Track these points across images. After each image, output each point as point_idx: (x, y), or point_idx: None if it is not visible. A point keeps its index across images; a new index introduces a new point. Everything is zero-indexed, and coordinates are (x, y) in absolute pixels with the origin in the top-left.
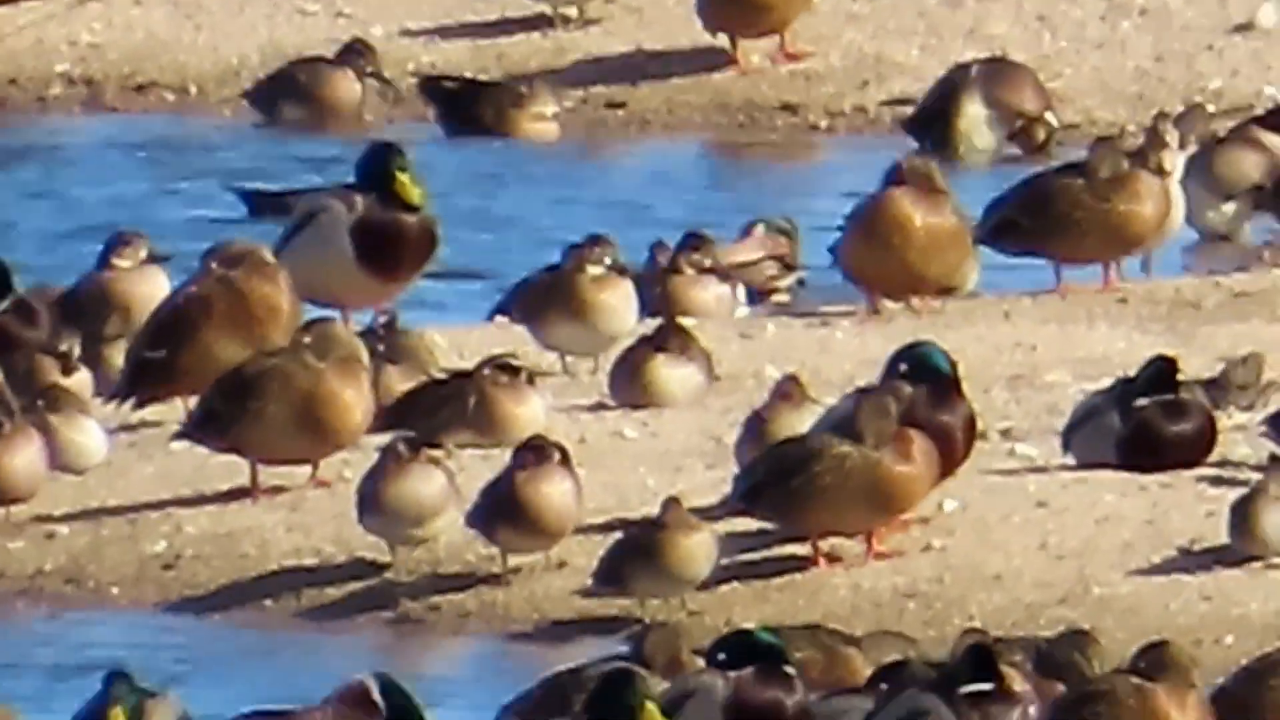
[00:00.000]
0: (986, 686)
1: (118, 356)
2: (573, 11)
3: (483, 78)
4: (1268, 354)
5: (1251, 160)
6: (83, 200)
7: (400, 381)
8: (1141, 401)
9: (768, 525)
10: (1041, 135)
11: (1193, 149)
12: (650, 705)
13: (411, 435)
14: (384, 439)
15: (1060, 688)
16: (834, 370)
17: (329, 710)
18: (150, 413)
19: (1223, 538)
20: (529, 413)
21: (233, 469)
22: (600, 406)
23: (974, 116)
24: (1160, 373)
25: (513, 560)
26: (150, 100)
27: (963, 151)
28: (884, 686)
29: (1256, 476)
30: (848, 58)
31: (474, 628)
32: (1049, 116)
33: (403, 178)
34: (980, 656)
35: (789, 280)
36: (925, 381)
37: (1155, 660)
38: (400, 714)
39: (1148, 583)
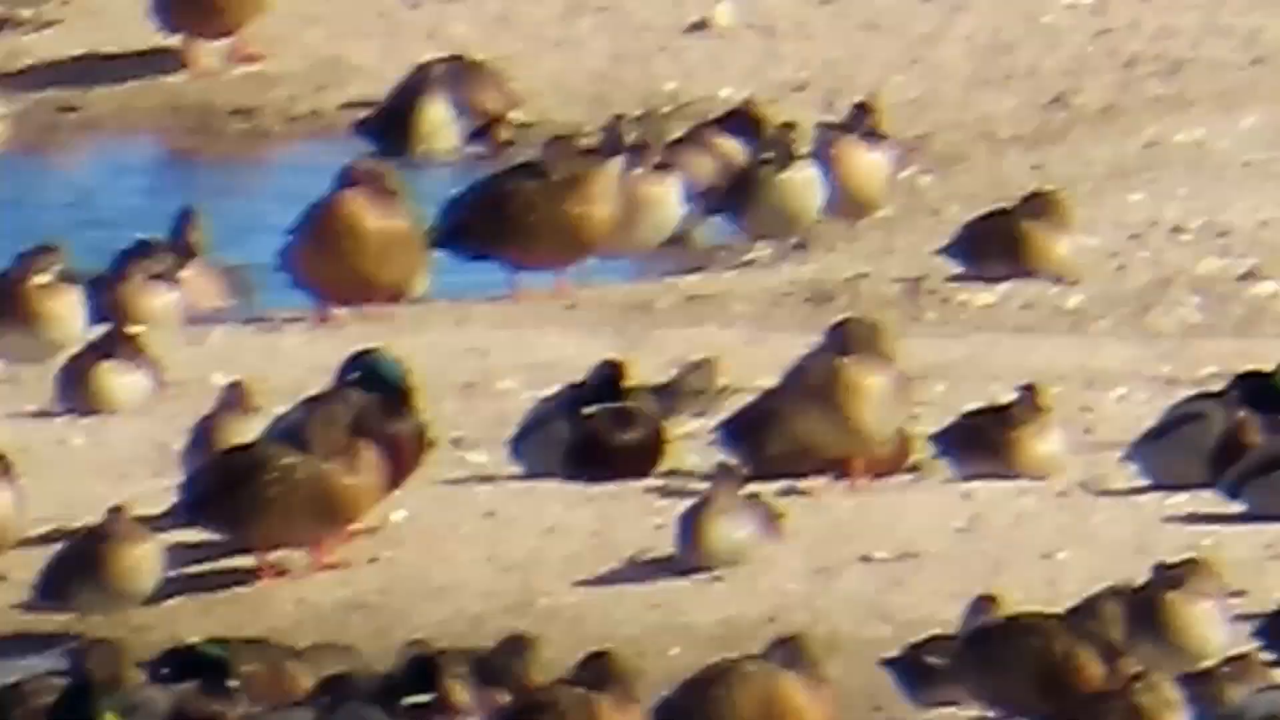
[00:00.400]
0: (427, 698)
1: None
2: (28, 13)
3: None
4: (721, 359)
5: (706, 163)
6: None
7: None
8: (588, 409)
9: (214, 536)
10: (504, 134)
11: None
12: (110, 716)
13: None
14: None
15: (503, 696)
16: (283, 378)
17: None
18: None
19: (670, 548)
20: None
21: None
22: (45, 414)
23: (435, 118)
24: (607, 379)
25: None
26: None
27: (423, 153)
28: (326, 699)
29: (704, 486)
30: (305, 59)
31: None
32: (513, 115)
33: None
34: (421, 668)
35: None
36: (376, 390)
37: (598, 670)
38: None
39: (594, 593)
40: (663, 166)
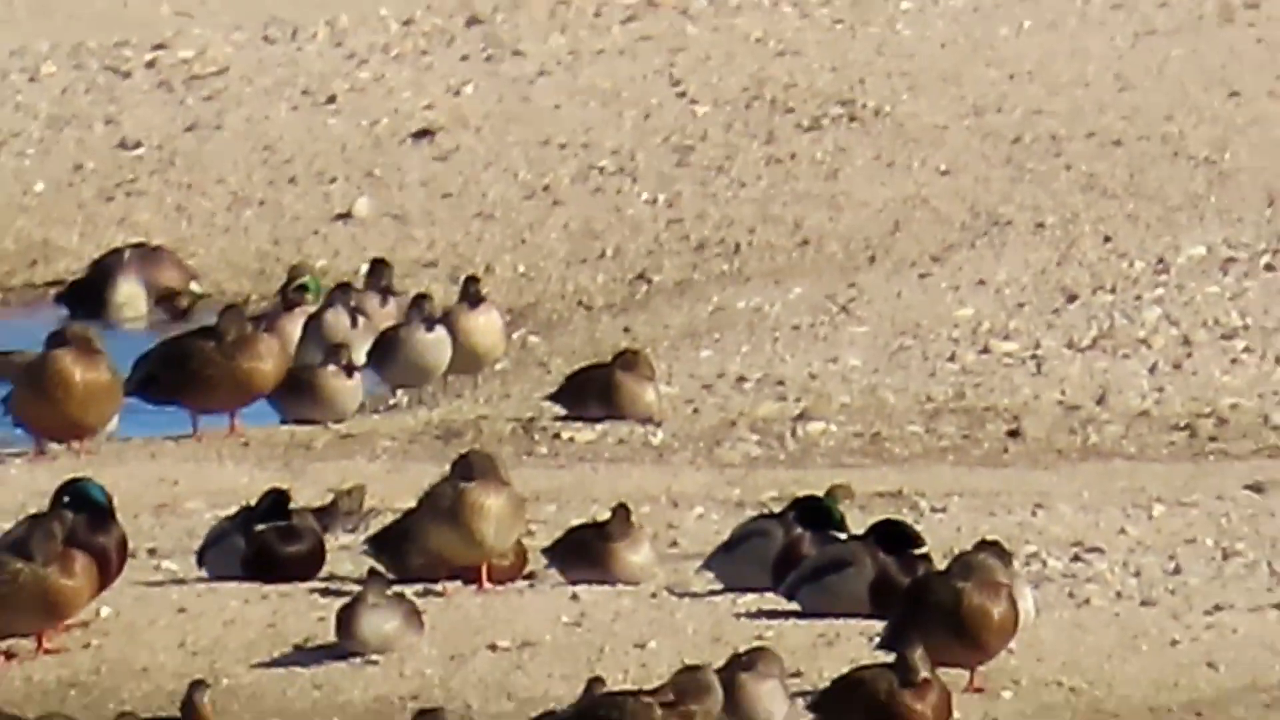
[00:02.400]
0: None
1: None
2: None
3: None
4: (368, 486)
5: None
6: None
7: None
8: (261, 526)
9: None
10: (185, 303)
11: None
12: None
13: None
14: None
15: None
16: (9, 500)
17: None
18: None
19: (331, 637)
20: None
21: None
22: None
23: (128, 292)
24: (274, 502)
25: None
26: None
27: (117, 319)
28: None
29: (357, 587)
30: (18, 242)
31: None
32: (193, 287)
33: None
34: None
35: None
36: (85, 509)
37: None
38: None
39: (268, 674)
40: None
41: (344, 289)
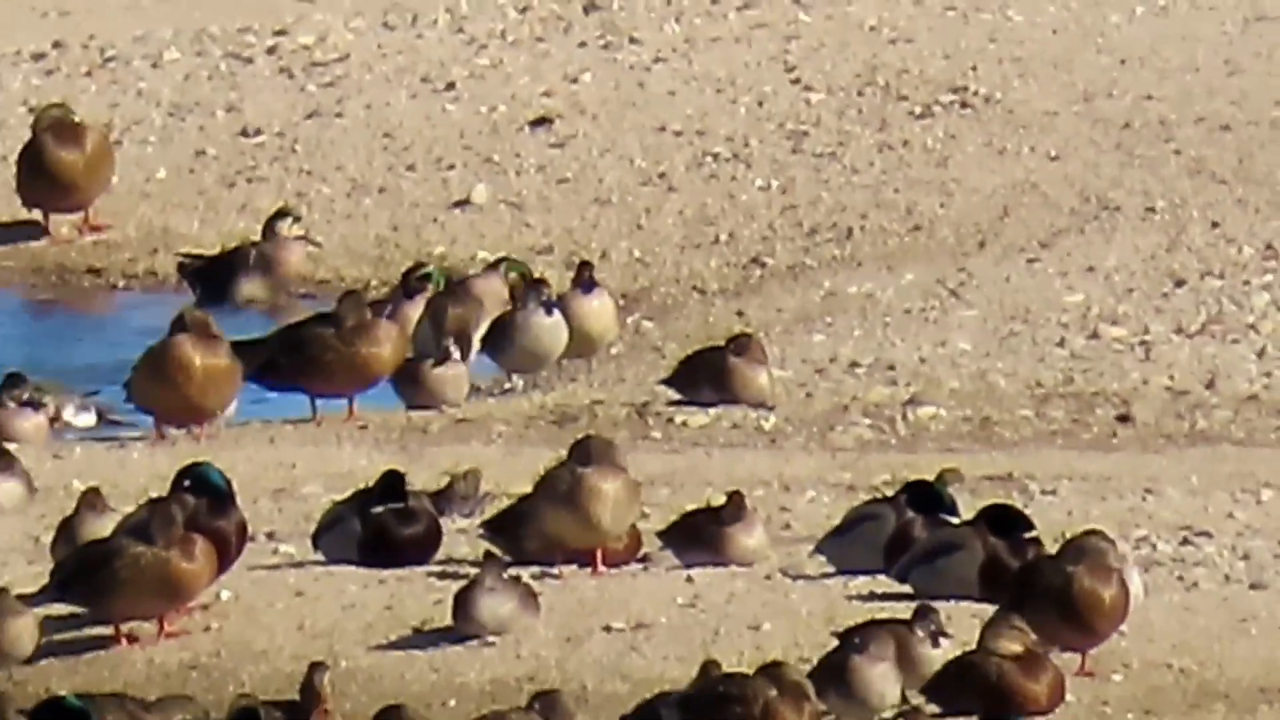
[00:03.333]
0: None
1: None
2: None
3: None
4: (484, 470)
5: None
6: None
7: None
8: (377, 509)
9: (78, 610)
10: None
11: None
12: None
13: None
14: None
15: None
16: (130, 484)
17: None
18: None
19: (448, 620)
20: None
21: None
22: None
23: (249, 288)
24: (391, 484)
25: None
26: None
27: (240, 303)
28: None
29: (474, 570)
30: (140, 229)
31: None
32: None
33: None
34: (248, 717)
35: None
36: (204, 494)
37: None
38: None
39: (386, 657)
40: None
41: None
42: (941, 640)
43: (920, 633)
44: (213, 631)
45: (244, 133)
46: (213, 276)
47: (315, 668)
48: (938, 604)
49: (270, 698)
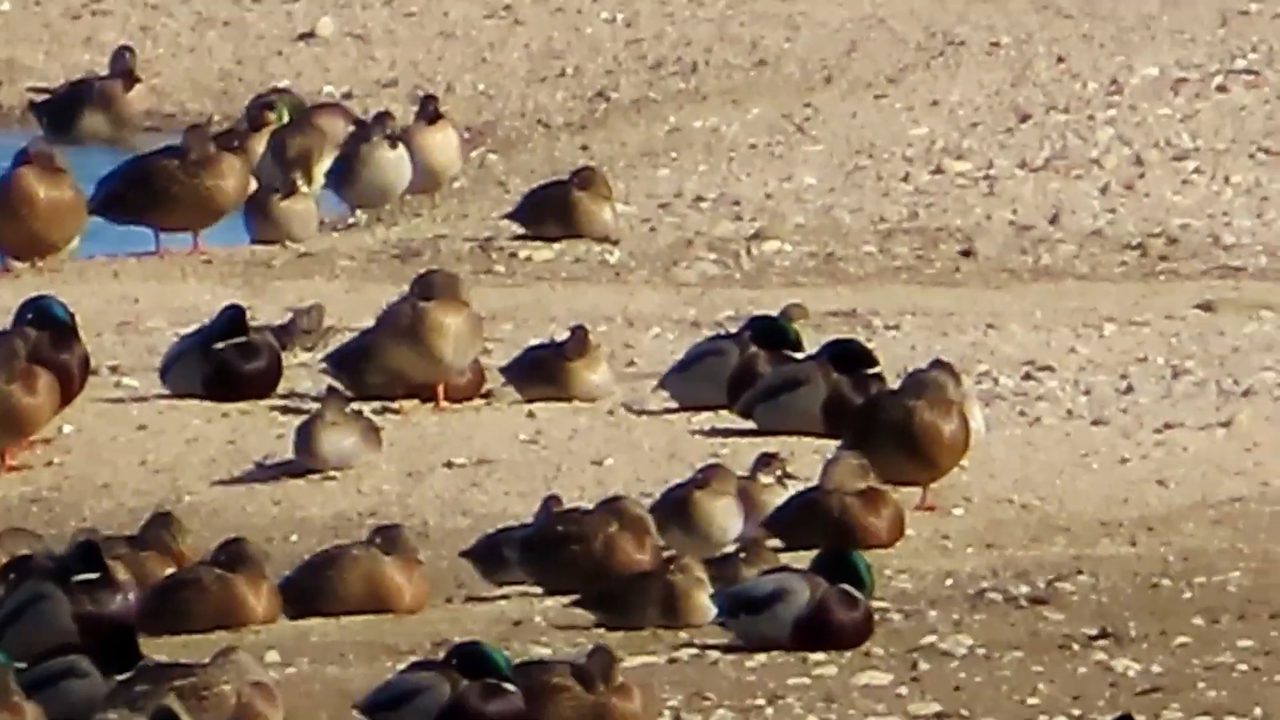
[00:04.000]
0: (94, 576)
1: None
2: None
3: None
4: (328, 305)
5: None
6: None
7: None
8: (219, 345)
9: None
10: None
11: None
12: None
13: None
14: None
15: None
16: None
17: None
18: None
19: (290, 454)
20: None
21: None
22: None
23: (93, 122)
24: (233, 319)
25: None
26: None
27: (84, 137)
28: (11, 575)
29: (316, 405)
30: None
31: None
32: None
33: None
34: (89, 551)
35: None
36: (47, 327)
37: (233, 554)
38: None
39: (228, 491)
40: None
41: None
42: (788, 483)
43: (765, 479)
44: (55, 466)
45: None
46: (60, 111)
47: (159, 519)
48: (780, 439)
49: (112, 533)
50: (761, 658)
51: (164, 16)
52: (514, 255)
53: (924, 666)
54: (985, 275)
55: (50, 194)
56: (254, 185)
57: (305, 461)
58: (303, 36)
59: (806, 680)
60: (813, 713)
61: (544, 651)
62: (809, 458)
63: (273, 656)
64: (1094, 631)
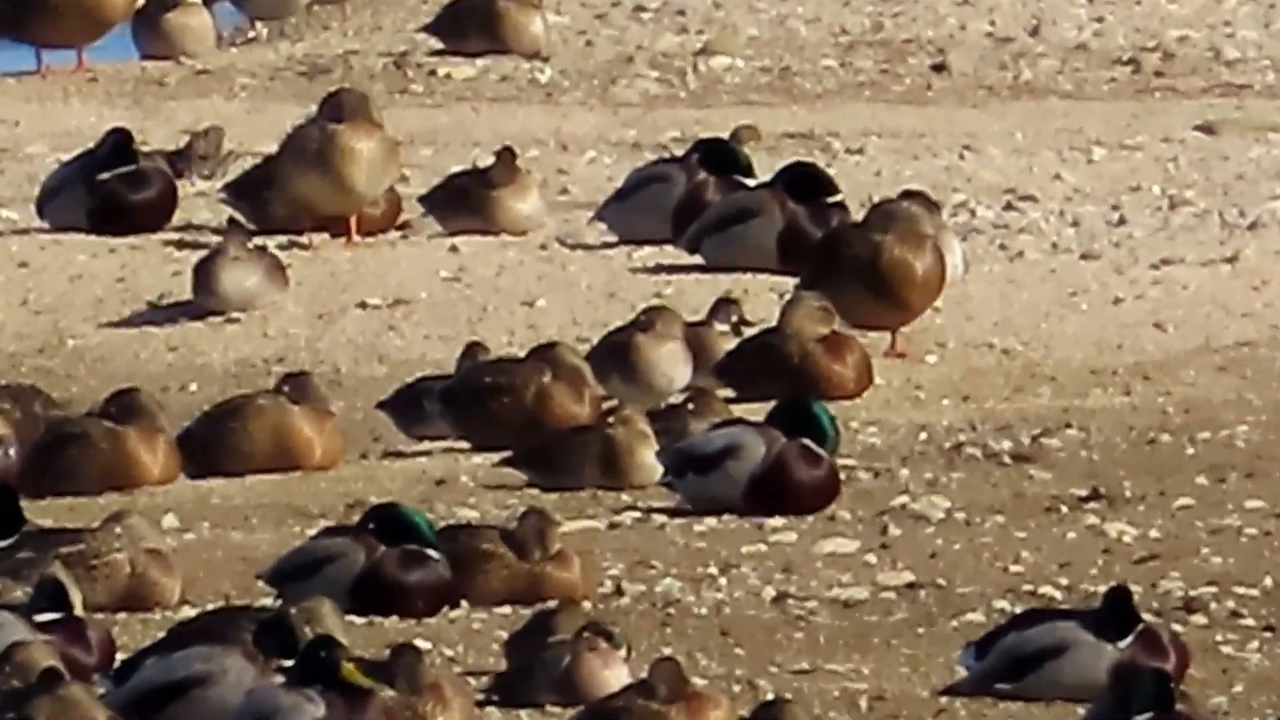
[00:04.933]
0: None
1: None
2: None
3: None
4: (227, 127)
5: None
6: None
7: None
8: (104, 175)
9: None
10: None
11: None
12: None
13: None
14: None
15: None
16: None
17: None
18: None
19: (187, 294)
20: None
21: None
22: None
23: None
24: (119, 145)
25: None
26: None
27: None
28: None
29: (216, 239)
30: None
31: None
32: None
33: None
34: None
35: None
36: None
37: (125, 405)
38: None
39: (118, 334)
40: None
41: None
42: (744, 330)
43: (720, 326)
44: None
45: None
46: None
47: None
48: (731, 276)
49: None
50: (712, 521)
51: None
52: (433, 73)
53: (895, 532)
54: (960, 93)
55: None
56: None
57: (204, 302)
58: None
59: (763, 547)
60: (770, 583)
61: (471, 515)
62: (764, 298)
63: (170, 520)
64: (1084, 492)
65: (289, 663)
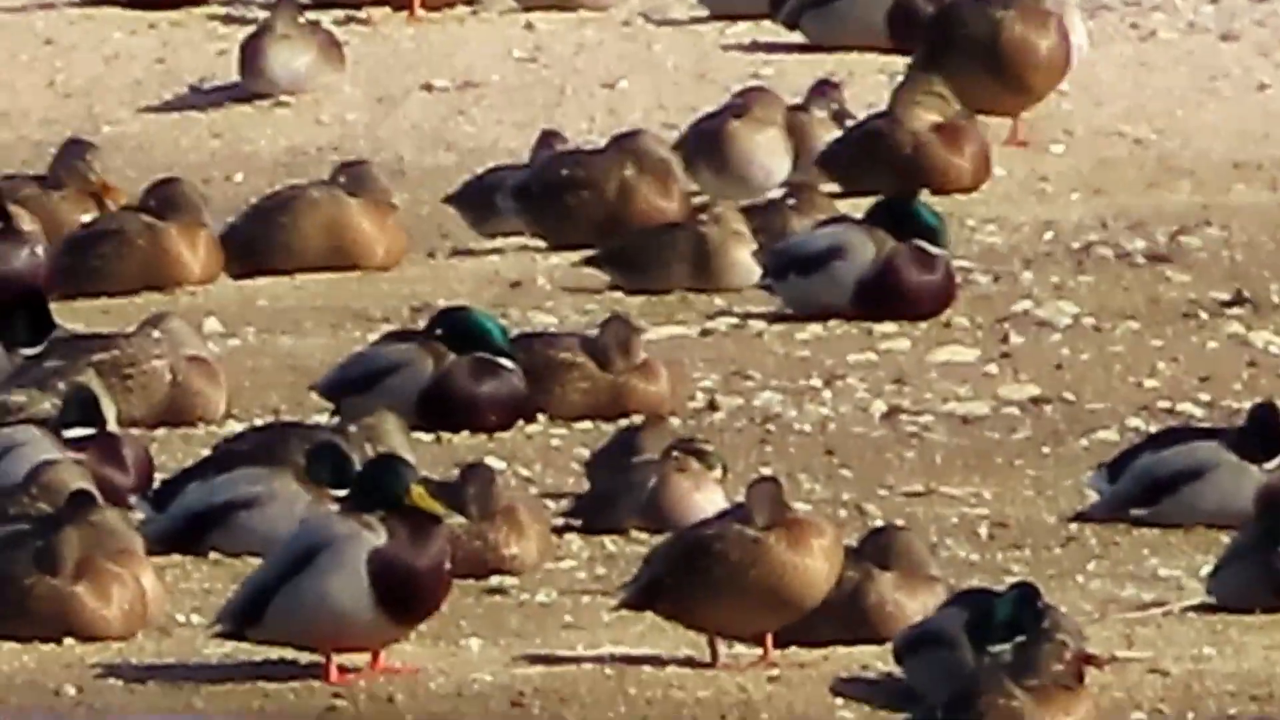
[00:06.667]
0: None
1: None
2: None
3: None
4: None
5: None
6: None
7: None
8: None
9: None
10: None
11: None
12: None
13: None
14: None
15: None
16: None
17: None
18: None
19: (233, 75)
20: None
21: None
22: None
23: None
24: None
25: None
26: None
27: None
28: None
29: (265, 14)
30: None
31: None
32: None
33: None
34: None
35: None
36: None
37: (165, 197)
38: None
39: (158, 120)
40: None
41: None
42: (846, 122)
43: (818, 112)
44: None
45: None
46: None
47: (75, 146)
48: (835, 56)
49: (14, 171)
50: (815, 328)
51: None
52: None
53: (1016, 340)
54: None
55: None
56: None
57: (251, 84)
58: None
59: (872, 356)
60: (879, 396)
61: (548, 320)
62: (871, 80)
63: (213, 325)
64: (1227, 296)
65: (342, 492)
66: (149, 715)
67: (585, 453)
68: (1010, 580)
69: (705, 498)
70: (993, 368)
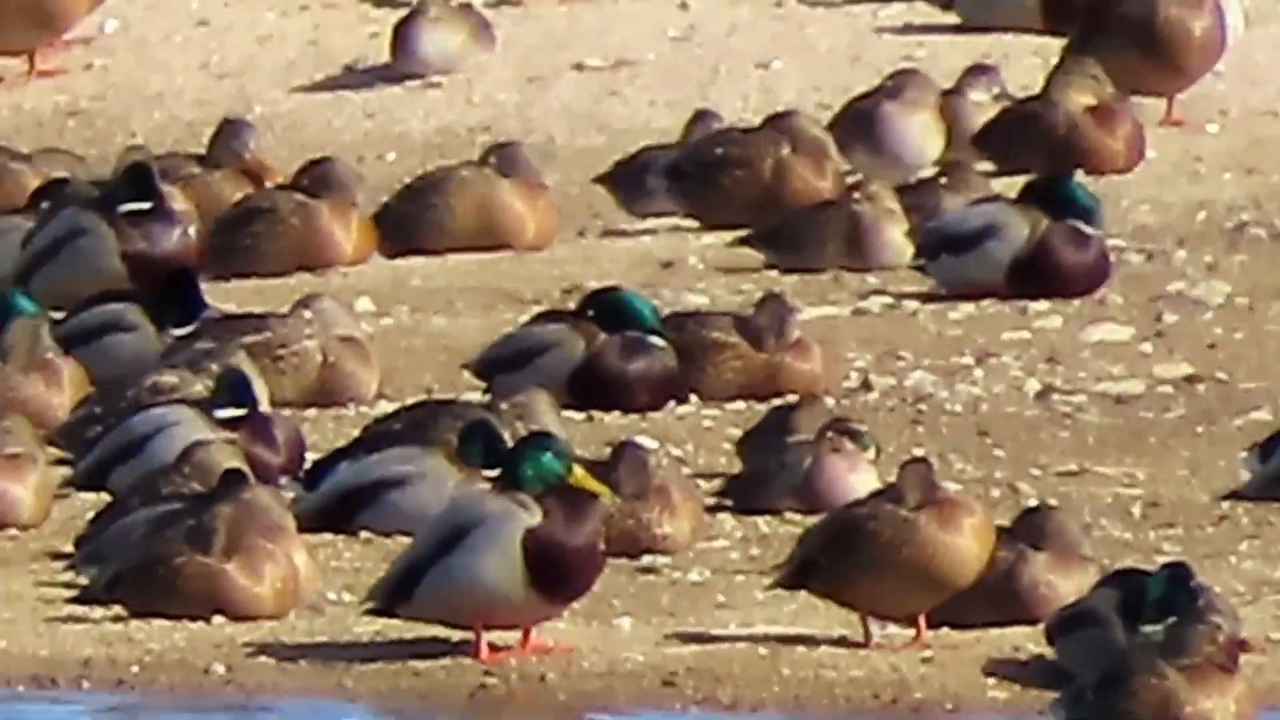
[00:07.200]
0: (145, 205)
1: None
2: None
3: None
4: None
5: None
6: None
7: None
8: None
9: None
10: None
11: None
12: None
13: None
14: None
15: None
16: None
17: None
18: None
19: (385, 56)
20: None
21: None
22: None
23: None
24: None
25: None
26: None
27: None
28: (44, 204)
29: None
30: None
31: None
32: None
33: None
34: (139, 175)
35: None
36: None
37: (318, 177)
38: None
39: (310, 100)
40: None
41: None
42: (1004, 98)
43: (975, 95)
44: (96, 70)
45: None
46: None
47: (233, 126)
48: (990, 37)
49: (168, 150)
50: (969, 307)
51: None
52: None
53: (1170, 319)
54: None
55: None
56: None
57: (404, 65)
58: None
59: (1025, 335)
60: (1033, 375)
61: (700, 300)
62: (1026, 61)
63: (365, 304)
64: None
65: (493, 472)
66: (299, 694)
67: (736, 433)
68: (1163, 560)
69: (859, 478)
70: (1146, 347)
